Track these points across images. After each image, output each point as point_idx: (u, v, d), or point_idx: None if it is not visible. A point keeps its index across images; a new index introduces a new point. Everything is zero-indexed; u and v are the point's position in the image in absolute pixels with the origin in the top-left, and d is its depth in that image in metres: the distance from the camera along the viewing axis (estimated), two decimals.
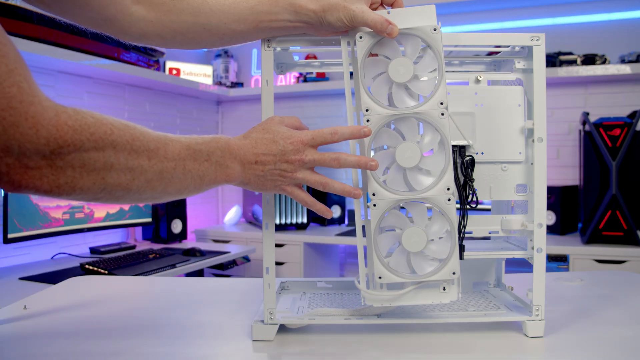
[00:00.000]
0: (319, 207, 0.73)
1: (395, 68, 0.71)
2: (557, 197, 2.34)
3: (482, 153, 0.81)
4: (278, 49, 0.78)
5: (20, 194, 0.53)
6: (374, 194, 0.72)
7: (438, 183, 0.71)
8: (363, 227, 0.75)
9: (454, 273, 0.72)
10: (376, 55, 0.73)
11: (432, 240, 0.72)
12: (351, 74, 0.75)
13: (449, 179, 0.71)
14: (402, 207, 0.74)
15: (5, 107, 0.44)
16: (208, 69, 3.18)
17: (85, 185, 0.52)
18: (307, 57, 2.62)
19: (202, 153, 0.64)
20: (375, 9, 0.73)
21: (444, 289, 0.73)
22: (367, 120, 0.72)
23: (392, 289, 0.74)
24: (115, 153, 0.54)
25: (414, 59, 0.72)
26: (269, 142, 0.69)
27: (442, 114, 0.71)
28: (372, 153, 0.74)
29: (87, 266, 1.83)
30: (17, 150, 0.46)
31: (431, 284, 0.73)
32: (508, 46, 0.81)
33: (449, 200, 0.71)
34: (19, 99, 0.45)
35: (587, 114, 2.26)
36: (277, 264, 2.63)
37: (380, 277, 0.73)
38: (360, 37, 0.72)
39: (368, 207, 0.73)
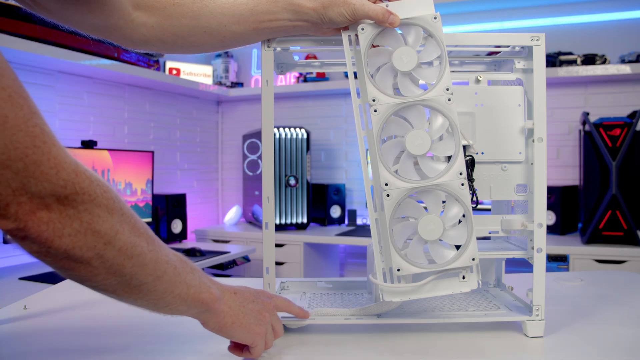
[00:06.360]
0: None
1: (399, 57, 0.71)
2: (557, 197, 2.34)
3: (482, 153, 0.81)
4: (278, 49, 0.78)
5: (16, 241, 0.49)
6: (386, 184, 0.70)
7: (450, 169, 0.71)
8: (376, 220, 0.73)
9: (473, 259, 0.71)
10: (377, 46, 0.74)
11: (449, 227, 0.71)
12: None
13: (460, 163, 0.71)
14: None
15: (29, 145, 0.43)
16: (208, 69, 3.18)
17: (85, 245, 0.48)
18: (307, 57, 2.63)
19: (188, 264, 0.61)
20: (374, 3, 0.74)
21: (464, 277, 0.72)
22: (375, 111, 0.71)
23: (410, 282, 0.72)
24: (121, 221, 0.50)
25: (416, 48, 0.73)
26: (243, 288, 0.70)
27: (449, 100, 0.71)
28: (381, 143, 0.72)
29: None
30: (33, 188, 0.44)
31: (450, 273, 0.72)
32: (508, 46, 0.81)
33: (463, 185, 0.70)
34: (42, 139, 0.44)
35: (587, 114, 2.26)
36: (277, 264, 2.63)
37: (398, 270, 0.70)
38: (362, 29, 0.72)
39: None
